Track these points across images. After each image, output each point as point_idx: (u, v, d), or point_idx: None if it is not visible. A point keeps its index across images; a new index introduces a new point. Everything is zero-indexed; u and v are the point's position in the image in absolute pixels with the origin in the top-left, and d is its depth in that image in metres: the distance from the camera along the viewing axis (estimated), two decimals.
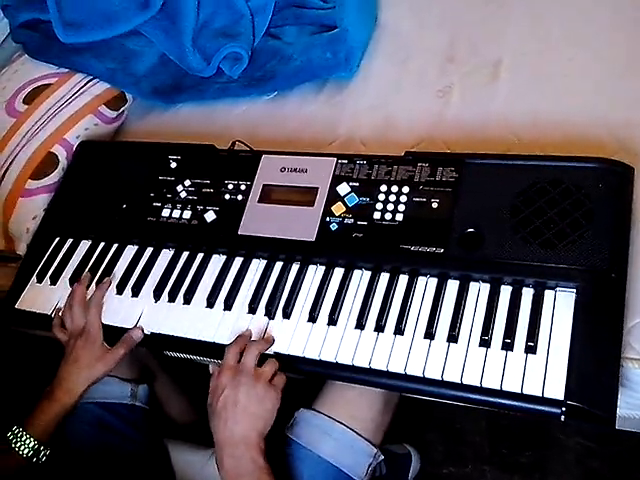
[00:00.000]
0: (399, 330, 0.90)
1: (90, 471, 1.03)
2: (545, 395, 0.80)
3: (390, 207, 0.99)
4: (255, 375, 0.86)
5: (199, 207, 1.09)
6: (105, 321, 1.02)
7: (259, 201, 1.06)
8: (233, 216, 1.06)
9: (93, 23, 1.37)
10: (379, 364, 0.88)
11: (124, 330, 1.02)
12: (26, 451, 0.92)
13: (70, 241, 1.15)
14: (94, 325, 1.00)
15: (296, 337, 0.93)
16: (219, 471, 0.84)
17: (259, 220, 1.05)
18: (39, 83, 1.36)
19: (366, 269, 0.97)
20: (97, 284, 1.07)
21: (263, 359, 0.90)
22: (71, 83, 1.37)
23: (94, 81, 1.38)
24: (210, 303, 1.00)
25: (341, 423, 0.96)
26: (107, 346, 0.99)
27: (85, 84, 1.38)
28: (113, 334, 1.02)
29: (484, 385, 0.82)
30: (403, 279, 0.95)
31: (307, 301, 0.96)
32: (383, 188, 1.00)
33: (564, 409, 0.78)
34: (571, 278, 0.87)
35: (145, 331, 1.01)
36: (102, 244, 1.13)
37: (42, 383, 0.99)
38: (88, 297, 1.04)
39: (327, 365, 0.90)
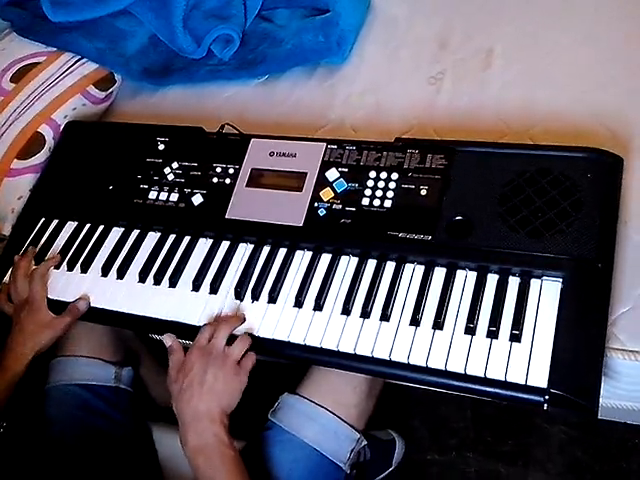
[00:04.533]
0: (385, 316, 0.89)
1: (74, 453, 1.03)
2: (528, 383, 0.80)
3: (379, 193, 0.98)
4: (224, 356, 0.87)
5: (186, 190, 1.08)
6: (92, 303, 1.02)
7: (247, 185, 1.05)
8: (221, 200, 1.05)
9: (82, 2, 1.36)
10: (364, 350, 0.87)
11: (107, 311, 1.01)
12: None
13: (56, 222, 1.14)
14: (37, 295, 1.01)
15: (282, 322, 0.93)
16: (183, 447, 0.85)
17: (247, 204, 1.04)
18: (27, 62, 1.35)
19: (353, 255, 0.97)
20: (82, 266, 1.06)
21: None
22: (59, 62, 1.36)
23: (83, 61, 1.37)
24: (196, 287, 1.00)
25: (325, 408, 0.96)
26: (52, 314, 1.01)
27: (74, 64, 1.36)
28: (98, 316, 1.02)
29: (468, 372, 0.82)
30: (390, 266, 0.94)
31: (293, 286, 0.96)
32: (372, 174, 1.00)
33: (547, 397, 0.79)
34: (557, 267, 0.86)
35: (129, 313, 1.00)
36: (88, 225, 1.12)
37: None
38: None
39: (312, 350, 0.90)
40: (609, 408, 1.06)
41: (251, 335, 0.92)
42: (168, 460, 1.09)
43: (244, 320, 0.94)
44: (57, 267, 1.08)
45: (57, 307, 1.03)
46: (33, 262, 1.08)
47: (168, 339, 0.92)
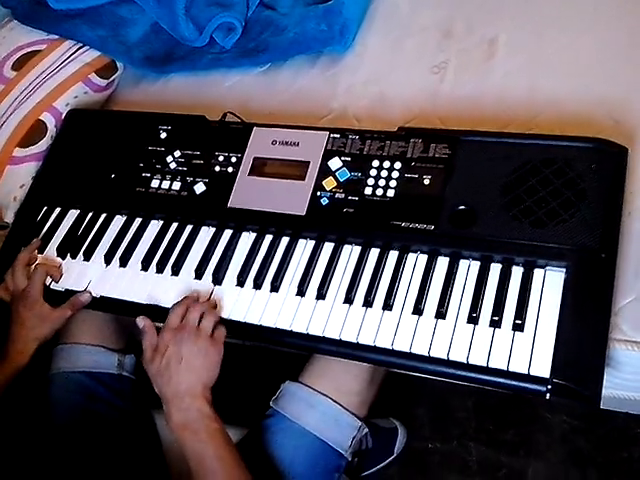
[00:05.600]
0: (387, 305, 0.89)
1: (76, 439, 1.03)
2: (531, 373, 0.80)
3: (381, 183, 0.98)
4: (197, 331, 0.89)
5: (189, 178, 1.08)
6: (94, 292, 1.03)
7: (249, 174, 1.05)
8: (223, 188, 1.05)
9: None
10: (366, 339, 0.88)
11: (110, 299, 1.02)
12: None
13: (58, 210, 1.14)
14: (34, 287, 1.01)
15: (284, 310, 0.93)
16: (167, 424, 0.86)
17: (249, 193, 1.04)
18: (28, 49, 1.34)
19: (356, 244, 0.97)
20: (84, 254, 1.06)
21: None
22: (61, 50, 1.35)
23: (84, 48, 1.36)
24: (198, 275, 1.00)
25: (326, 396, 0.96)
26: (50, 307, 1.01)
27: (75, 51, 1.35)
28: (101, 304, 1.03)
29: (471, 362, 0.83)
30: (393, 255, 0.94)
31: (296, 275, 0.96)
32: (375, 163, 0.99)
33: (549, 387, 0.79)
34: (561, 257, 0.86)
35: (132, 301, 1.00)
36: (90, 214, 1.11)
37: None
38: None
39: (314, 339, 0.90)
40: (611, 398, 1.06)
41: (254, 324, 0.93)
42: (171, 446, 1.09)
43: (215, 306, 0.95)
44: (62, 256, 1.08)
45: (59, 295, 1.03)
46: (37, 253, 1.08)
47: (141, 321, 0.93)
